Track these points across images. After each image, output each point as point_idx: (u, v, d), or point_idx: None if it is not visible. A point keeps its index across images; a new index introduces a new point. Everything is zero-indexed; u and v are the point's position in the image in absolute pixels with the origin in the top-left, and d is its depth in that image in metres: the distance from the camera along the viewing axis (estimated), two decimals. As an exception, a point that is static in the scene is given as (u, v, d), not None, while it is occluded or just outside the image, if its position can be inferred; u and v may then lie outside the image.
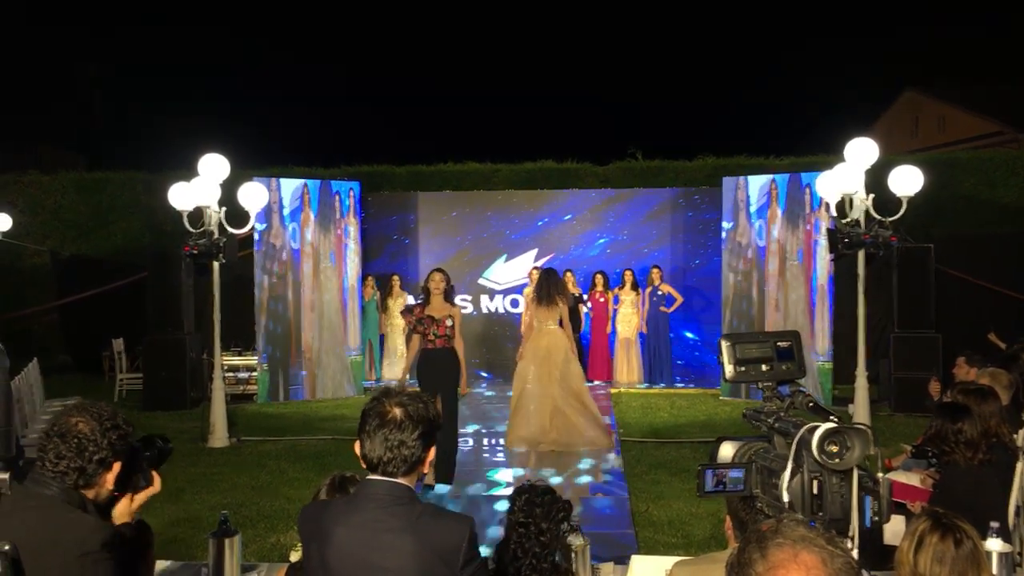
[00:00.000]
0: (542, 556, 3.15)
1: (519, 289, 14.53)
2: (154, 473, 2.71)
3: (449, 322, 7.79)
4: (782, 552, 1.43)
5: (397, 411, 2.47)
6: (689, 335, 14.51)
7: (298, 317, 12.92)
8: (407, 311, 8.30)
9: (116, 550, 2.41)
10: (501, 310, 15.03)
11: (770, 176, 12.79)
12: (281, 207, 12.80)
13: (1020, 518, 4.96)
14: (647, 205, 14.92)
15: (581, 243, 14.98)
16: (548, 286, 9.36)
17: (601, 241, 14.96)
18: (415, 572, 2.38)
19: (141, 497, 2.67)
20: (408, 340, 8.60)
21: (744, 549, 1.48)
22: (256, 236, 12.42)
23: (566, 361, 9.36)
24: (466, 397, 9.11)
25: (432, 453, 2.56)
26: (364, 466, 2.52)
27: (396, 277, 14.51)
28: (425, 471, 2.58)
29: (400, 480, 2.47)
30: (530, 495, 3.26)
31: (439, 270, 8.14)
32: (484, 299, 14.98)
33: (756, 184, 12.70)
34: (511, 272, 14.94)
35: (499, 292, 15.00)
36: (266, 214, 12.46)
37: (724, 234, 12.99)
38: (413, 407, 2.49)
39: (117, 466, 2.55)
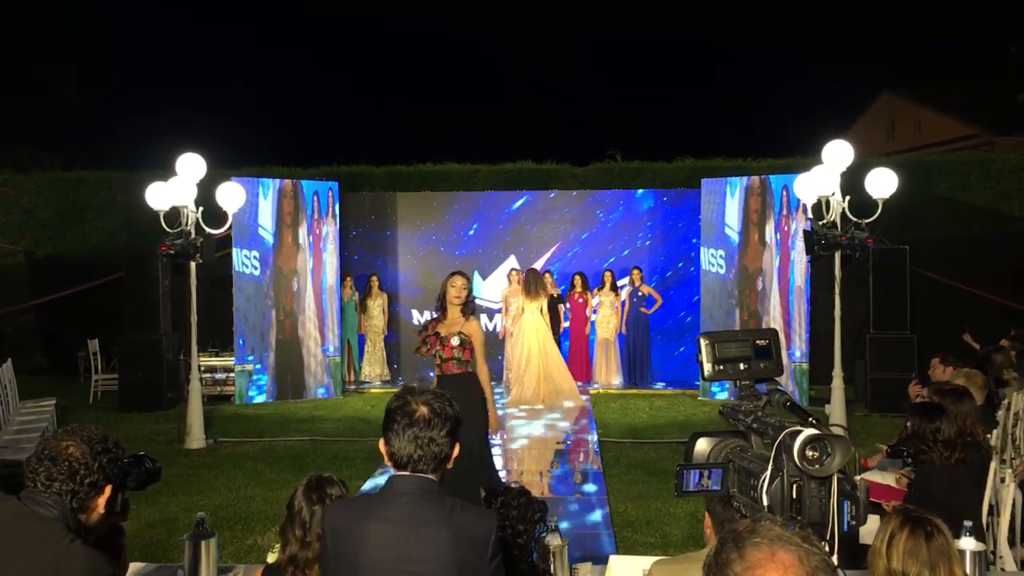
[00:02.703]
0: (519, 558, 3.15)
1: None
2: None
3: (456, 340, 6.07)
4: (759, 552, 1.44)
5: (424, 409, 2.52)
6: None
7: (277, 318, 12.85)
8: (423, 328, 6.46)
9: None
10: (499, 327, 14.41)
11: (748, 178, 12.85)
12: (296, 220, 13.02)
13: (993, 517, 5.02)
14: (626, 206, 14.97)
15: (560, 244, 15.00)
16: (533, 282, 12.63)
17: (580, 242, 14.98)
18: (451, 562, 2.44)
19: (105, 518, 2.62)
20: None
21: (721, 549, 1.49)
22: (257, 263, 12.35)
23: (547, 340, 12.48)
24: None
25: (457, 449, 2.59)
26: (389, 464, 2.55)
27: (375, 277, 14.45)
28: (449, 466, 2.61)
29: (429, 476, 2.52)
30: (505, 497, 3.26)
31: (460, 273, 6.32)
32: (484, 319, 14.61)
33: (733, 186, 12.74)
34: (496, 288, 14.70)
35: (497, 311, 14.55)
36: (277, 226, 12.76)
37: (702, 248, 13.03)
38: (439, 404, 2.55)
39: (108, 490, 2.53)
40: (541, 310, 12.47)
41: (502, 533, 3.16)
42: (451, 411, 2.56)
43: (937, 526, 2.85)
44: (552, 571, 3.37)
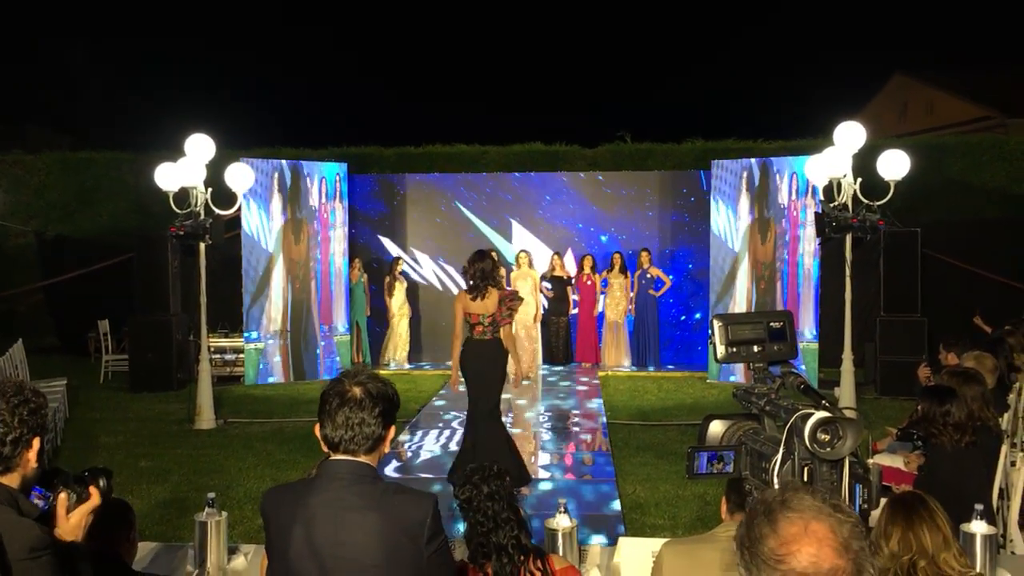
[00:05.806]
0: (499, 525, 3.06)
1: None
2: (92, 488, 2.51)
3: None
4: (793, 526, 1.44)
5: (356, 390, 2.47)
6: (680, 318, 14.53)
7: (286, 299, 12.86)
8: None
9: (47, 555, 2.26)
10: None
11: (759, 160, 12.78)
12: (307, 200, 13.02)
13: (1004, 501, 5.01)
14: (636, 188, 14.90)
15: (569, 226, 14.93)
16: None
17: (589, 224, 14.92)
18: (380, 549, 2.39)
19: (78, 514, 2.48)
20: None
21: (752, 523, 1.48)
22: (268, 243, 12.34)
23: None
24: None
25: (392, 431, 2.54)
26: (325, 447, 2.50)
27: (400, 261, 14.40)
28: (387, 450, 2.57)
29: (362, 458, 2.47)
30: (467, 476, 3.21)
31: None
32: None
33: (743, 168, 12.68)
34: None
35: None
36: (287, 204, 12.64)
37: (713, 224, 12.96)
38: (372, 385, 2.50)
39: (36, 442, 2.39)
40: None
41: (468, 506, 3.11)
42: (385, 391, 2.51)
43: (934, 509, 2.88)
44: (562, 553, 3.37)
